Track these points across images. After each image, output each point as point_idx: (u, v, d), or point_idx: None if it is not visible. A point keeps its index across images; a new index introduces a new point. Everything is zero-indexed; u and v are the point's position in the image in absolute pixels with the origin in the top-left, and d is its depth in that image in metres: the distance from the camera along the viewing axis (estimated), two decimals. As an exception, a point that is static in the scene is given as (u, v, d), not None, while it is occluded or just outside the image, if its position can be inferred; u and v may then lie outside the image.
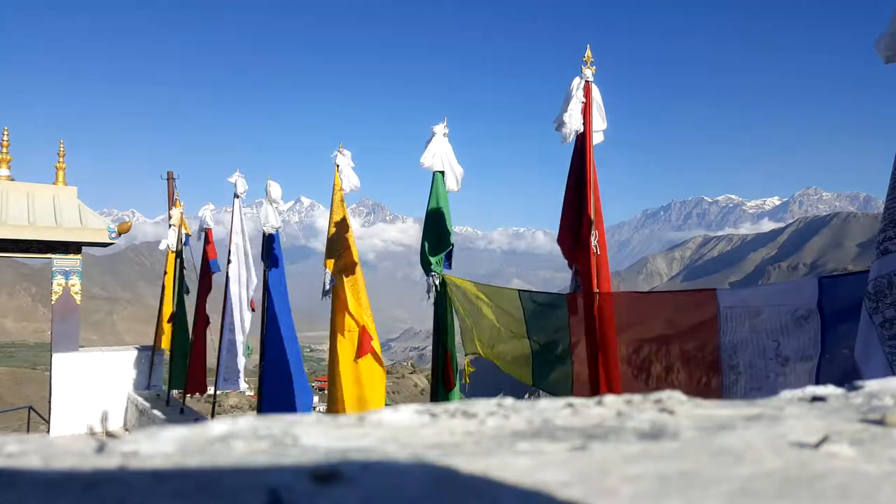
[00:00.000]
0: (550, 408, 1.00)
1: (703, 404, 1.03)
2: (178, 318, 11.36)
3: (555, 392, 4.97)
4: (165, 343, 12.18)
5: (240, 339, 9.01)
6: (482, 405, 1.01)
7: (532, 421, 0.93)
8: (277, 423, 0.86)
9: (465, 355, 5.86)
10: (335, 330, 7.22)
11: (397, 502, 0.60)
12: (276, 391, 8.17)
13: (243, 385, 9.38)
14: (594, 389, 4.18)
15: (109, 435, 0.84)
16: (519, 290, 5.55)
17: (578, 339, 4.58)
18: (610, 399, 1.05)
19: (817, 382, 3.12)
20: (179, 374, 11.12)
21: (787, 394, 1.12)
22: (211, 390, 9.79)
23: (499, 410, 0.98)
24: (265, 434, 0.81)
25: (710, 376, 3.69)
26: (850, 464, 0.72)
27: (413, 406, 0.99)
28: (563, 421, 0.93)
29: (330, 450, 0.75)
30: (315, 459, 0.70)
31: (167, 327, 12.00)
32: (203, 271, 10.14)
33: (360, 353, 7.17)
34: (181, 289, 11.27)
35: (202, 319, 10.05)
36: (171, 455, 0.72)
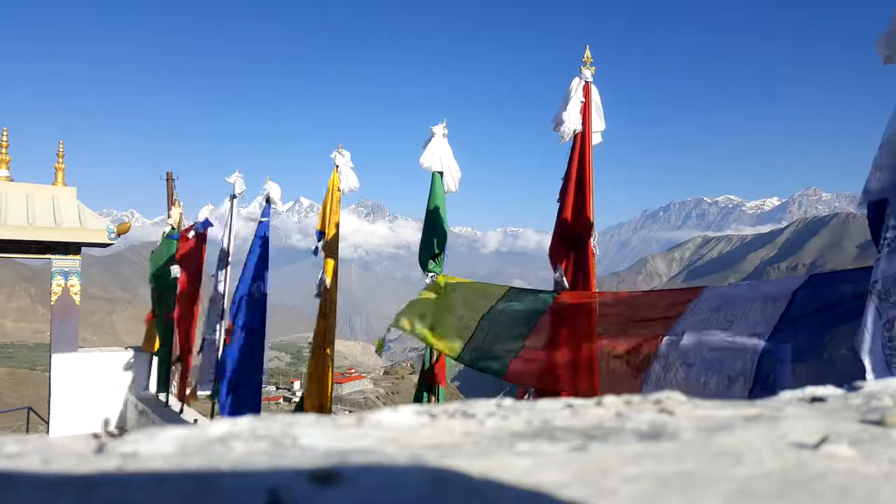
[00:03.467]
0: (550, 408, 1.00)
1: (703, 405, 1.03)
2: (161, 318, 11.23)
3: (482, 368, 4.89)
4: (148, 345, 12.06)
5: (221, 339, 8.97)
6: (481, 406, 1.01)
7: (531, 421, 0.93)
8: (276, 423, 0.86)
9: (388, 329, 5.79)
10: (329, 327, 7.24)
11: (396, 503, 0.60)
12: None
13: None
14: (550, 379, 4.18)
15: (109, 435, 0.83)
16: (511, 286, 5.44)
17: (543, 332, 4.48)
18: (609, 400, 1.05)
19: (760, 363, 3.06)
20: (166, 375, 11.02)
21: (786, 394, 1.12)
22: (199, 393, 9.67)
23: (498, 411, 0.98)
24: (264, 435, 0.81)
25: (646, 352, 3.63)
26: (849, 464, 0.72)
27: (412, 407, 0.99)
28: (563, 421, 0.93)
29: (329, 451, 0.75)
30: (314, 460, 0.70)
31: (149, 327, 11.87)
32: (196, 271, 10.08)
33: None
34: (172, 289, 11.22)
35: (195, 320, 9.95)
36: (170, 456, 0.72)
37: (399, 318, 5.61)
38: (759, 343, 3.08)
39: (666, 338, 3.53)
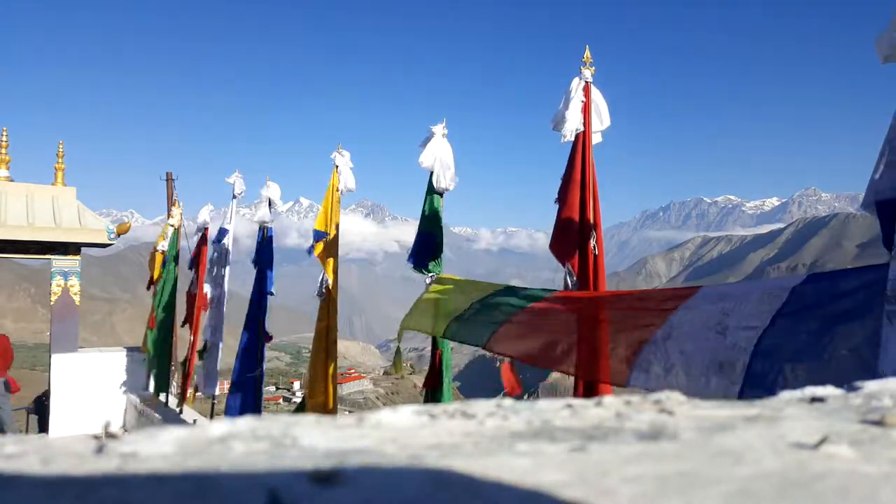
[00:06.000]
0: (549, 409, 1.00)
1: (703, 405, 1.03)
2: (164, 320, 11.25)
3: (462, 339, 4.91)
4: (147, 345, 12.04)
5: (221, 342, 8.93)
6: (481, 406, 1.01)
7: (531, 422, 0.92)
8: (276, 424, 0.86)
9: (398, 338, 5.87)
10: (329, 326, 7.24)
11: (396, 503, 0.60)
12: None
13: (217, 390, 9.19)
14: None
15: (108, 436, 0.83)
16: (509, 285, 5.41)
17: (531, 312, 4.46)
18: (609, 400, 1.05)
19: (756, 350, 3.01)
20: (165, 376, 11.03)
21: (786, 394, 1.12)
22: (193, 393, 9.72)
23: (498, 411, 0.98)
24: (264, 435, 0.81)
25: (637, 339, 3.60)
26: (849, 465, 0.72)
27: (412, 407, 0.99)
28: (563, 422, 0.93)
29: (329, 451, 0.75)
30: (314, 461, 0.70)
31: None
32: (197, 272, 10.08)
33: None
34: (172, 291, 11.25)
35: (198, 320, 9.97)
36: (170, 456, 0.72)
37: (404, 325, 5.62)
38: (753, 337, 3.05)
39: (659, 330, 3.52)
